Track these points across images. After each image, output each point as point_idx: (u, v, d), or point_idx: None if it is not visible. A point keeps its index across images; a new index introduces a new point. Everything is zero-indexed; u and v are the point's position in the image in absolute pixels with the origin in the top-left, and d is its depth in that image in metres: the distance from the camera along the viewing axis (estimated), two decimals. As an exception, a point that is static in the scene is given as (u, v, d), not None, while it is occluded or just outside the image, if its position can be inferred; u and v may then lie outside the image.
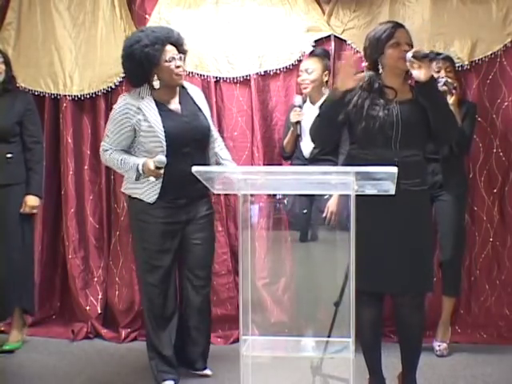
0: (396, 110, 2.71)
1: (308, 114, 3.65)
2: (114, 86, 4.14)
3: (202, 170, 2.33)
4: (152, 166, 3.01)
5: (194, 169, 2.29)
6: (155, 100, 3.17)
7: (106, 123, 4.18)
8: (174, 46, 3.16)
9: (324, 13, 4.05)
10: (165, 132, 3.10)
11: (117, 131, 3.18)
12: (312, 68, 3.69)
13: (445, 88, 3.52)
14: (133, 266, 4.11)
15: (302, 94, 3.80)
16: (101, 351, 3.85)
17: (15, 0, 4.17)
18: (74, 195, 4.21)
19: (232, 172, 2.35)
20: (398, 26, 2.77)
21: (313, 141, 3.03)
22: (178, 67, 3.14)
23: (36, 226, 4.11)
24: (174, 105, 3.22)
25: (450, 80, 3.53)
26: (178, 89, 3.25)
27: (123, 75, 4.09)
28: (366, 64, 2.85)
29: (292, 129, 3.66)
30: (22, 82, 4.04)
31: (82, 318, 4.14)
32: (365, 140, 2.74)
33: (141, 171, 3.07)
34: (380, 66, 2.76)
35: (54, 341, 4.01)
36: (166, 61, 3.12)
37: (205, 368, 3.41)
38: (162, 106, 3.17)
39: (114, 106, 3.26)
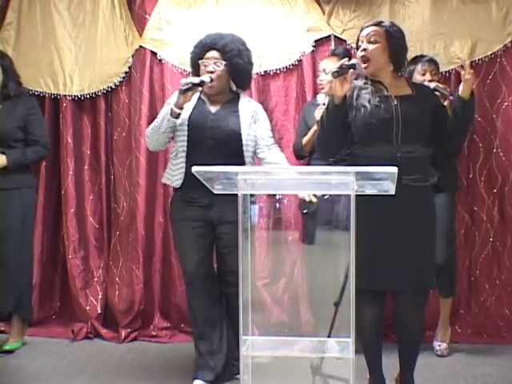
0: (395, 104, 2.71)
1: None
2: (113, 86, 4.14)
3: (202, 170, 2.32)
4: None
5: (194, 169, 2.28)
6: (201, 96, 3.29)
7: (106, 123, 4.23)
8: (219, 52, 3.23)
9: (324, 13, 4.06)
10: (188, 121, 3.19)
11: (162, 111, 3.27)
12: (330, 68, 3.64)
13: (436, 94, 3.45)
14: (133, 266, 4.12)
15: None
16: (101, 351, 3.85)
17: (15, 0, 4.17)
18: (74, 195, 4.20)
19: (231, 172, 2.34)
20: (367, 26, 2.79)
21: (320, 154, 3.02)
22: (208, 72, 3.20)
23: (36, 226, 4.11)
24: (215, 106, 3.29)
25: (440, 85, 3.47)
26: (226, 95, 3.30)
27: (123, 75, 4.12)
28: None
29: (316, 127, 3.59)
30: (22, 81, 4.03)
31: (82, 317, 4.13)
32: (365, 136, 2.73)
33: (174, 105, 3.12)
34: None
35: (54, 341, 4.01)
36: (200, 64, 3.24)
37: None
38: (201, 102, 3.27)
39: None
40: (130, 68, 4.14)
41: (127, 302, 4.13)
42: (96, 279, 4.23)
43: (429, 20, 3.95)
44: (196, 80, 3.13)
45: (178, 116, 3.15)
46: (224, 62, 3.22)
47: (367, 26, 2.78)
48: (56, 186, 4.29)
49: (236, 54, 3.24)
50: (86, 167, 4.24)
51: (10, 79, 3.72)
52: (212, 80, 3.18)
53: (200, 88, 3.15)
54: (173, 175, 3.25)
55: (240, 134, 3.24)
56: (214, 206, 3.20)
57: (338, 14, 4.04)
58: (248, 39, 3.99)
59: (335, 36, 4.03)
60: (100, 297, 4.20)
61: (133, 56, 4.13)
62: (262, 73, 4.07)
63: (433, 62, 3.66)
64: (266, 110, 4.05)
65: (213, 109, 3.28)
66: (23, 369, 3.52)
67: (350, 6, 4.02)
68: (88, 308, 4.14)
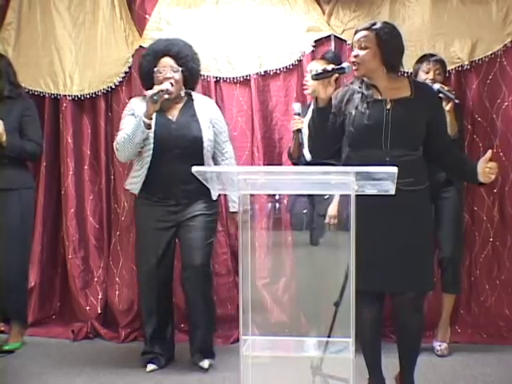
0: (387, 109, 2.69)
1: None
2: (113, 86, 4.14)
3: (202, 170, 2.33)
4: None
5: (194, 169, 2.28)
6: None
7: (106, 123, 4.23)
8: (174, 58, 3.34)
9: (324, 13, 4.06)
10: (154, 134, 3.29)
11: (127, 122, 3.34)
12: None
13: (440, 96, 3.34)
14: (133, 266, 4.12)
15: (298, 100, 3.80)
16: (101, 351, 3.85)
17: (15, 0, 4.17)
18: (74, 195, 4.20)
19: (232, 172, 2.34)
20: (359, 29, 2.76)
21: (311, 154, 3.03)
22: (166, 78, 3.31)
23: (36, 227, 4.11)
24: (172, 112, 3.39)
25: (445, 87, 3.45)
26: (180, 99, 3.40)
27: (123, 75, 4.12)
28: None
29: (294, 137, 3.64)
30: (22, 81, 4.02)
31: (82, 317, 4.13)
32: (354, 140, 2.73)
33: (144, 116, 3.21)
34: None
35: (54, 341, 4.01)
36: (155, 72, 3.33)
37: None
38: (158, 112, 3.31)
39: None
40: (130, 68, 4.14)
41: (127, 302, 4.13)
42: (96, 279, 4.23)
43: (429, 20, 3.95)
44: (163, 87, 3.23)
45: (149, 126, 3.24)
46: (180, 68, 3.34)
47: (360, 30, 2.75)
48: (56, 186, 4.29)
49: (190, 59, 3.39)
50: (85, 167, 4.24)
51: (4, 80, 3.69)
52: (172, 86, 3.28)
53: (167, 96, 3.24)
54: (136, 183, 3.37)
55: (202, 140, 3.35)
56: (180, 205, 3.34)
57: (338, 14, 4.04)
58: (248, 39, 4.04)
59: (335, 36, 4.03)
60: (100, 297, 4.20)
61: (133, 56, 4.12)
62: (262, 73, 4.07)
63: (439, 61, 3.67)
64: (265, 109, 4.10)
65: (172, 116, 3.38)
66: (23, 369, 3.52)
67: (350, 6, 4.02)
68: (88, 308, 4.15)
